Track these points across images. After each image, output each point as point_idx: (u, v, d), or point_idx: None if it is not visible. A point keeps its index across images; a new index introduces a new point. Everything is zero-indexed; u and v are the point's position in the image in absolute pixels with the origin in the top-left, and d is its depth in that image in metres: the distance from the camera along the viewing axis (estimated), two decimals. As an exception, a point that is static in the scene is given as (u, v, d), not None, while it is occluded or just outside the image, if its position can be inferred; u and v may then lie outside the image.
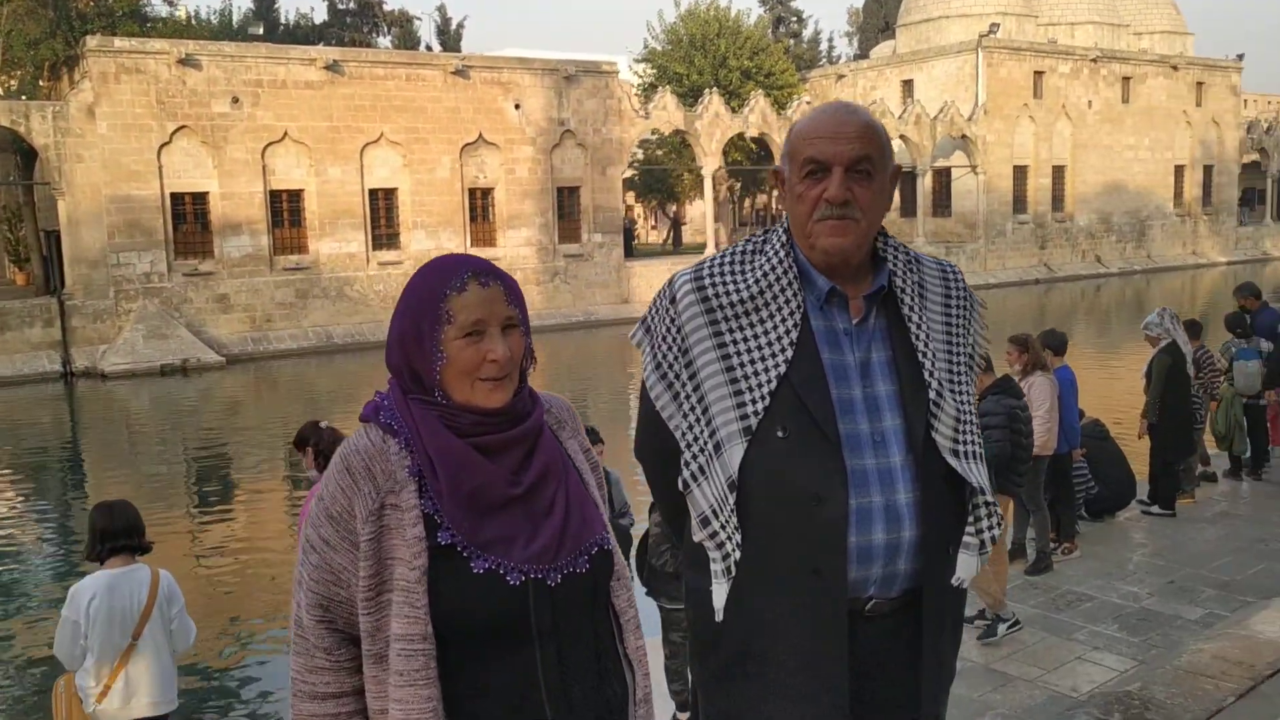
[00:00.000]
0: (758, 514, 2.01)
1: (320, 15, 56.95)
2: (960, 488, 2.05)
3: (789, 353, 2.00)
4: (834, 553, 1.96)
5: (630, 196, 42.67)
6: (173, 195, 25.20)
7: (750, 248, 2.14)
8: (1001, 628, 6.15)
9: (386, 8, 47.41)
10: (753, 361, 2.02)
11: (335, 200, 27.30)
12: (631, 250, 38.46)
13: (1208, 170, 49.17)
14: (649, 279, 32.41)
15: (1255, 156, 52.20)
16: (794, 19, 56.25)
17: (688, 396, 2.08)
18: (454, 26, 48.43)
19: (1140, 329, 8.88)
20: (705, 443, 2.04)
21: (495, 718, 1.75)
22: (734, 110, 34.88)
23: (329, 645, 1.80)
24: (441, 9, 48.18)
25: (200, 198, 25.69)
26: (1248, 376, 9.45)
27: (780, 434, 1.98)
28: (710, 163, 34.08)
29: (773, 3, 55.13)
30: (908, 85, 43.61)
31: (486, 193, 29.81)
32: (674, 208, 47.12)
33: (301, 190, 27.01)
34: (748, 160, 39.80)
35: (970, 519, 2.06)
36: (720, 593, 2.04)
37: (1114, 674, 5.54)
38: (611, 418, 18.57)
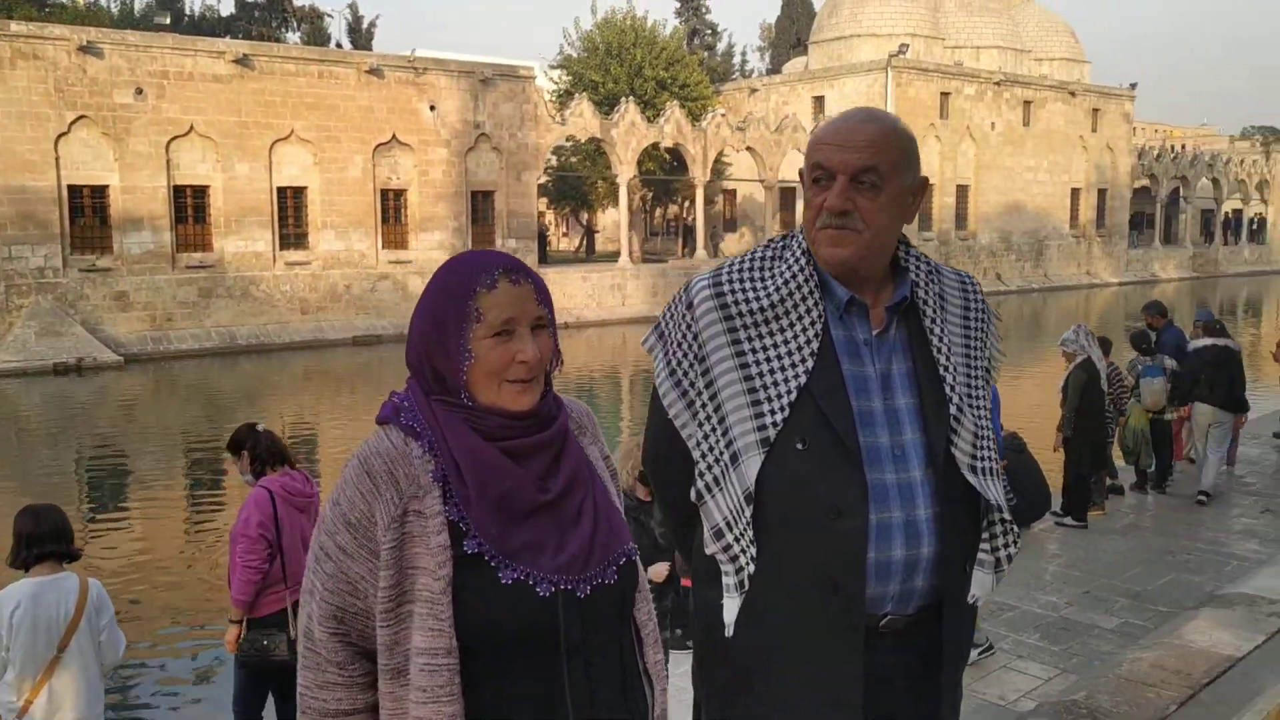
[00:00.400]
0: (774, 527, 1.95)
1: (227, 8, 55.56)
2: (975, 504, 2.02)
3: (809, 363, 1.94)
4: (853, 567, 1.91)
5: (543, 203, 42.49)
6: (70, 188, 24.28)
7: (770, 254, 2.07)
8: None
9: (296, 3, 46.50)
10: (772, 371, 1.96)
11: (242, 197, 26.60)
12: (545, 257, 38.29)
13: (1102, 194, 51.09)
14: (563, 286, 32.26)
15: (1145, 182, 54.44)
16: (709, 31, 56.80)
17: (704, 405, 2.01)
18: (365, 25, 47.76)
19: (1057, 344, 9.13)
20: (721, 453, 1.98)
21: None
22: (650, 120, 35.03)
23: (342, 660, 1.70)
24: (353, 7, 47.20)
25: (99, 191, 24.80)
26: (1154, 393, 9.79)
27: (800, 445, 1.93)
28: (626, 171, 34.16)
29: (688, 15, 55.59)
30: (819, 101, 44.39)
31: (399, 194, 29.39)
32: (586, 215, 47.09)
33: (207, 186, 26.27)
34: (661, 170, 39.99)
35: (986, 536, 2.03)
36: (732, 607, 1.98)
37: (1039, 682, 5.66)
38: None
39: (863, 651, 1.92)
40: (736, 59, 60.06)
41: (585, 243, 43.99)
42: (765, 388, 1.95)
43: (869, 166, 1.92)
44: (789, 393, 1.94)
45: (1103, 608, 7.07)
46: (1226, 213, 60.95)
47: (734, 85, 49.39)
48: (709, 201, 40.32)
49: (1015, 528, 2.03)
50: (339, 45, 44.55)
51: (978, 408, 2.02)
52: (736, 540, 1.95)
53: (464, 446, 1.68)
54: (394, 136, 28.66)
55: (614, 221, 50.49)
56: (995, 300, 46.08)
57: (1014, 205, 45.80)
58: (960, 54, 48.21)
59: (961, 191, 44.76)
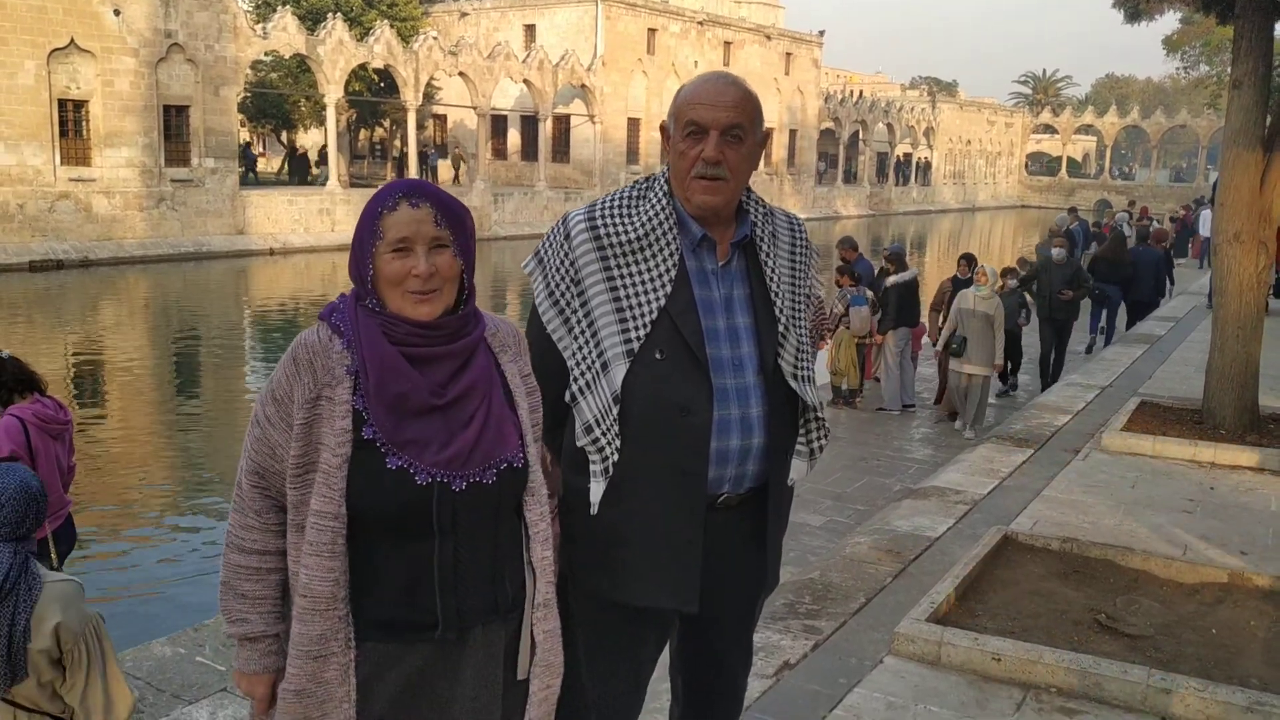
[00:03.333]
0: (636, 423, 2.32)
1: None
2: (794, 405, 2.47)
3: (668, 288, 2.33)
4: (699, 455, 2.33)
5: (240, 120, 39.93)
6: None
7: (635, 194, 2.43)
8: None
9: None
10: (637, 294, 2.33)
11: (-113, 101, 23.39)
12: (256, 179, 36.27)
13: (793, 134, 54.40)
14: (268, 210, 30.78)
15: (830, 125, 58.44)
16: (416, -51, 54.84)
17: (578, 322, 2.36)
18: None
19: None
20: (593, 362, 2.34)
21: (392, 597, 1.96)
22: (358, 39, 33.73)
23: (260, 508, 2.02)
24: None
25: None
26: (862, 320, 10.94)
27: (658, 356, 2.32)
28: (333, 91, 32.78)
29: (394, -70, 53.37)
30: (530, 30, 44.31)
31: (80, 105, 26.78)
32: (288, 135, 44.78)
33: None
34: (369, 91, 38.66)
35: (802, 430, 2.49)
36: (597, 490, 2.35)
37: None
38: (224, 362, 17.74)
39: (703, 525, 2.34)
40: (445, -20, 58.45)
41: (289, 164, 41.80)
42: (631, 308, 2.33)
43: (736, 123, 2.30)
44: (650, 312, 2.32)
45: (811, 508, 7.98)
46: (899, 156, 66.57)
47: (443, 7, 48.20)
48: (419, 126, 39.44)
49: (826, 424, 2.50)
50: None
51: (800, 327, 2.45)
52: (604, 434, 2.32)
53: (372, 349, 1.95)
54: (72, 41, 26.00)
55: (315, 143, 48.35)
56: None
57: (714, 142, 47.91)
58: (666, -9, 49.45)
59: (667, 127, 46.24)
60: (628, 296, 2.33)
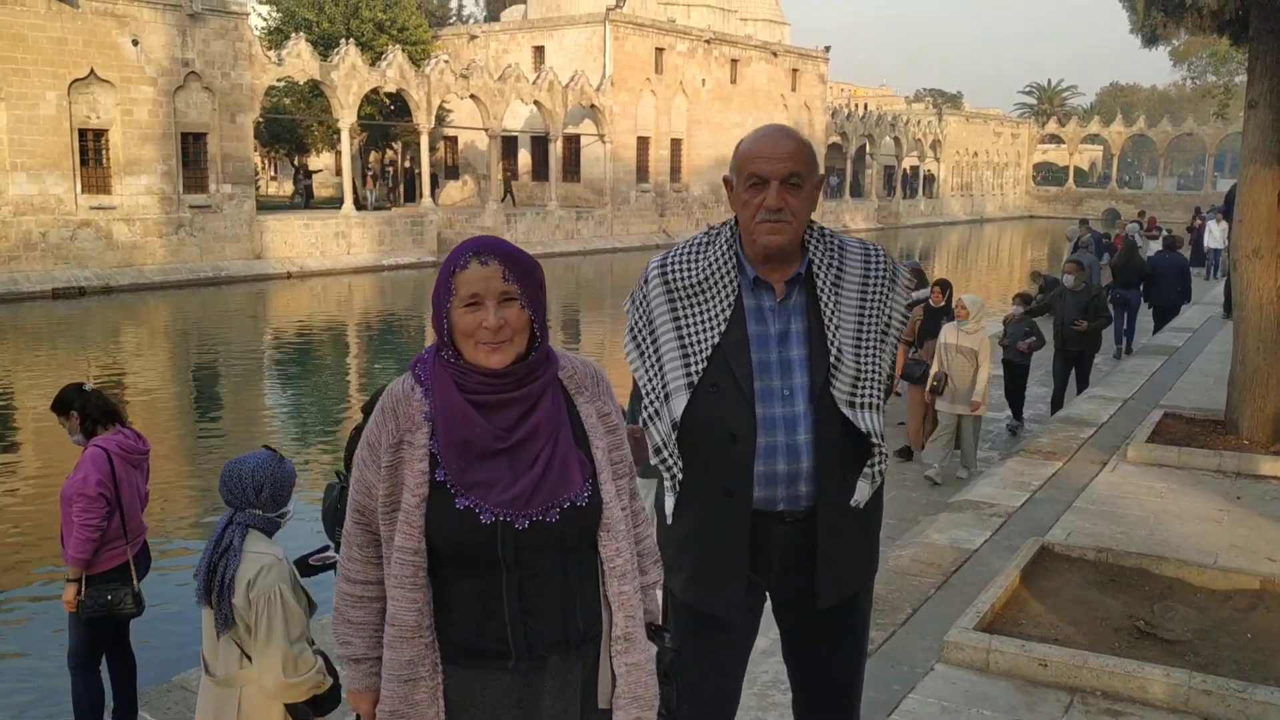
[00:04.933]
0: (692, 447, 2.64)
1: None
2: (859, 429, 2.64)
3: (723, 326, 2.61)
4: (743, 478, 2.59)
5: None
6: None
7: (705, 240, 2.71)
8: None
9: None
10: (698, 331, 2.62)
11: (-87, 134, 23.79)
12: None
13: (800, 150, 54.54)
14: (284, 234, 31.13)
15: (837, 139, 58.74)
16: (424, -27, 55.42)
17: (650, 355, 2.68)
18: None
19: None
20: (660, 392, 2.65)
21: (470, 627, 2.15)
22: (370, 63, 34.13)
23: (362, 542, 2.24)
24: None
25: None
26: None
27: (713, 388, 2.60)
28: (347, 116, 33.19)
29: (403, -45, 53.95)
30: (539, 51, 44.71)
31: (100, 134, 27.20)
32: (300, 160, 45.21)
33: None
34: (380, 115, 39.08)
35: (869, 456, 2.67)
36: (670, 502, 2.71)
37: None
38: (239, 385, 17.94)
39: (748, 537, 2.62)
40: (454, 3, 59.08)
41: (302, 189, 42.19)
42: (692, 344, 2.62)
43: (794, 172, 2.56)
44: (707, 348, 2.61)
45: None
46: (906, 169, 66.83)
47: (453, 31, 48.75)
48: (431, 148, 39.80)
49: (884, 451, 2.66)
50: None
51: (865, 355, 2.62)
52: (669, 456, 2.65)
53: (442, 397, 2.16)
54: (92, 72, 26.44)
55: (327, 166, 48.76)
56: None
57: (723, 159, 48.07)
58: (672, 10, 49.86)
59: (675, 145, 46.63)
60: (690, 333, 2.62)
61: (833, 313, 2.62)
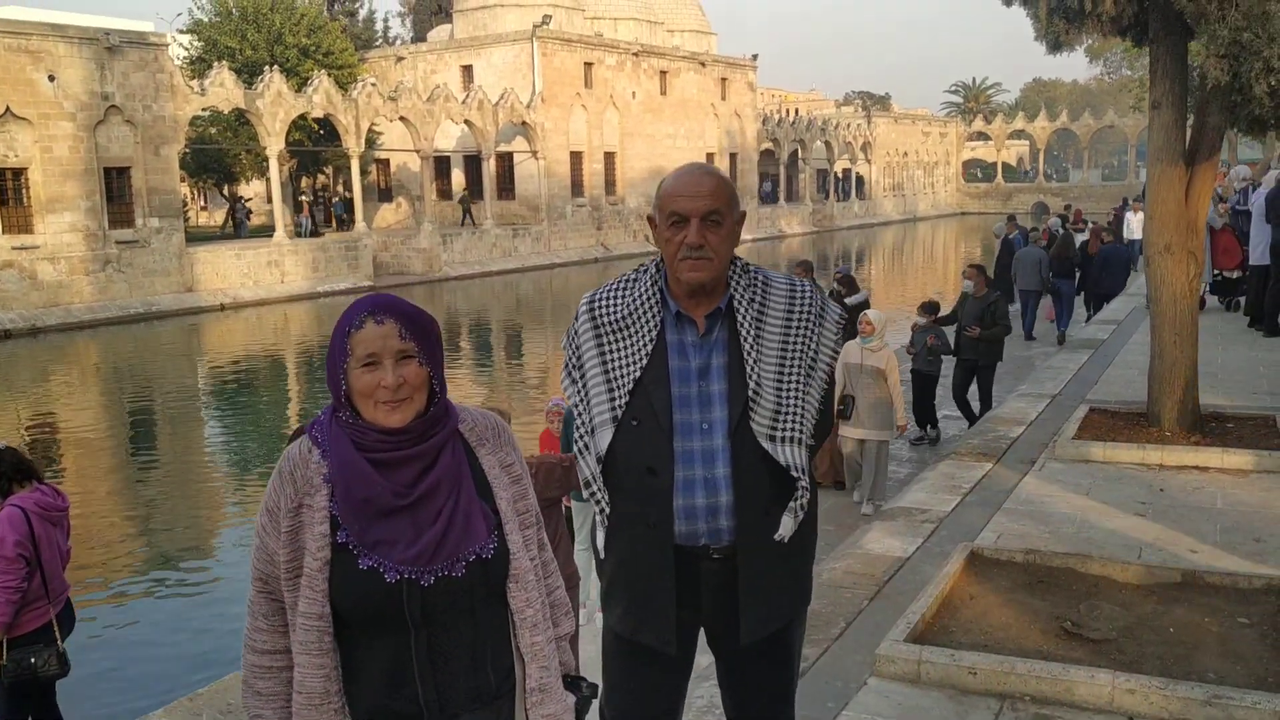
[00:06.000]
0: (616, 481, 2.67)
1: None
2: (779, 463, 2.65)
3: (644, 361, 2.64)
4: (663, 511, 2.62)
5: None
6: None
7: (633, 277, 2.74)
8: None
9: None
10: (620, 366, 2.65)
11: None
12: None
13: (733, 157, 55.14)
14: (215, 265, 30.68)
15: (769, 145, 59.28)
16: (348, -4, 55.08)
17: (580, 390, 2.72)
18: (-50, -21, 42.18)
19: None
20: (588, 426, 2.69)
21: (380, 689, 2.14)
22: (296, 90, 33.80)
23: (266, 611, 2.19)
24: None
25: None
26: None
27: (634, 423, 2.63)
28: (274, 143, 32.83)
29: (325, -22, 53.55)
30: (468, 70, 44.62)
31: (19, 173, 26.61)
32: (229, 189, 44.62)
33: None
34: (309, 141, 38.70)
35: (793, 490, 2.66)
36: (601, 535, 2.76)
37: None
38: (176, 423, 17.64)
39: (673, 570, 2.64)
40: (379, 26, 58.68)
41: (233, 218, 41.64)
42: (617, 379, 2.65)
43: (713, 209, 2.60)
44: (629, 383, 2.63)
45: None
46: (838, 172, 67.60)
47: (379, 53, 48.47)
48: (363, 172, 39.51)
49: (806, 484, 2.65)
50: (-81, 2, 39.16)
51: (787, 390, 2.63)
52: (598, 490, 2.68)
53: (339, 457, 2.14)
54: (8, 109, 25.88)
55: (258, 194, 48.15)
56: (646, 259, 48.53)
57: (657, 170, 48.36)
58: (600, 25, 50.06)
59: (609, 158, 46.75)
60: (614, 368, 2.65)
61: (751, 346, 2.63)
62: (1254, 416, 8.51)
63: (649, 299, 2.67)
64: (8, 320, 25.60)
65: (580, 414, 2.71)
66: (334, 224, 43.33)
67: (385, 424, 2.13)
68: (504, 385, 20.27)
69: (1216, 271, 14.82)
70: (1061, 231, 21.99)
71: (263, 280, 31.62)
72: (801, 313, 2.69)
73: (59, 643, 5.05)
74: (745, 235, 53.82)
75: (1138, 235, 21.81)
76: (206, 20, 38.45)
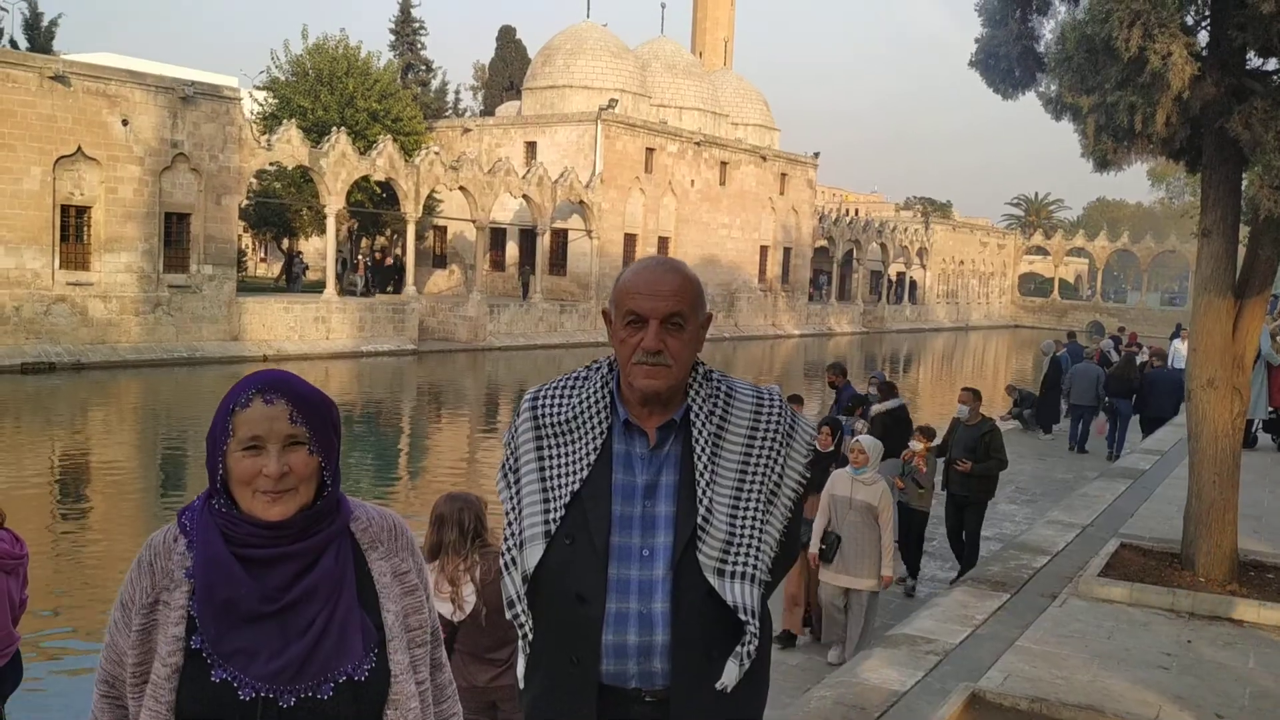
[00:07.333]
0: (541, 607, 2.32)
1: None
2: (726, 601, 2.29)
3: (585, 472, 2.30)
4: (590, 647, 2.26)
5: (241, 226, 40.46)
6: None
7: (583, 375, 2.43)
8: None
9: (-37, -9, 41.95)
10: (559, 475, 2.32)
11: (-108, 204, 23.70)
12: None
13: (787, 252, 55.21)
14: (263, 316, 31.00)
15: (824, 243, 59.34)
16: (423, 67, 56.51)
17: (514, 496, 2.39)
18: (45, 24, 43.82)
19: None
20: (516, 539, 2.34)
21: None
22: (361, 152, 34.43)
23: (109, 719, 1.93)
24: (32, 3, 43.11)
25: None
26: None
27: (567, 541, 2.28)
28: (334, 202, 33.34)
29: (403, 49, 55.07)
30: (531, 146, 45.29)
31: (83, 211, 27.19)
32: (288, 243, 45.37)
33: None
34: (370, 202, 39.29)
35: (741, 634, 2.27)
36: (522, 664, 2.39)
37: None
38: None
39: (594, 713, 2.26)
40: (450, 97, 60.14)
41: (286, 272, 42.22)
42: (553, 489, 2.32)
43: (675, 311, 2.29)
44: (566, 495, 2.29)
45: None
46: (892, 275, 67.36)
47: (447, 123, 49.43)
48: (419, 237, 39.98)
49: (755, 628, 2.28)
50: (14, 44, 40.62)
51: (743, 517, 2.28)
52: (522, 613, 2.33)
53: (205, 551, 1.87)
54: (79, 149, 26.55)
55: (315, 250, 48.92)
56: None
57: (710, 258, 48.54)
58: (665, 112, 50.72)
59: (663, 243, 46.96)
60: (553, 477, 2.33)
61: (706, 465, 2.30)
62: (1297, 568, 8.00)
63: (597, 401, 2.35)
64: (54, 354, 25.93)
65: (511, 523, 2.38)
66: (389, 285, 43.81)
67: (263, 517, 1.88)
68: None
69: (1272, 410, 14.30)
70: (1114, 353, 21.67)
71: (308, 335, 31.87)
72: (767, 429, 2.36)
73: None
74: (793, 330, 53.82)
75: (1182, 364, 21.37)
76: (283, 79, 39.46)
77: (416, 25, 55.83)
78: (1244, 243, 7.76)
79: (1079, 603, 7.29)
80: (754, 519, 2.30)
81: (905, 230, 67.38)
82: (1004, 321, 77.56)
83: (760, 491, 2.33)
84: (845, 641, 7.64)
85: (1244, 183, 7.49)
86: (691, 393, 2.37)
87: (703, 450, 2.32)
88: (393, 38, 55.51)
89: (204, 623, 1.85)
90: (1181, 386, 17.48)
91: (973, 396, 9.99)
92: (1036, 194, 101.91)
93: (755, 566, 2.29)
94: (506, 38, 63.88)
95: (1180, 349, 22.86)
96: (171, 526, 1.95)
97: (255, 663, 1.84)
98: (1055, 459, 17.68)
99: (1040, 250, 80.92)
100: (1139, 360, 20.41)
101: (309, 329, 31.97)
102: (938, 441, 10.30)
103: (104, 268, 27.45)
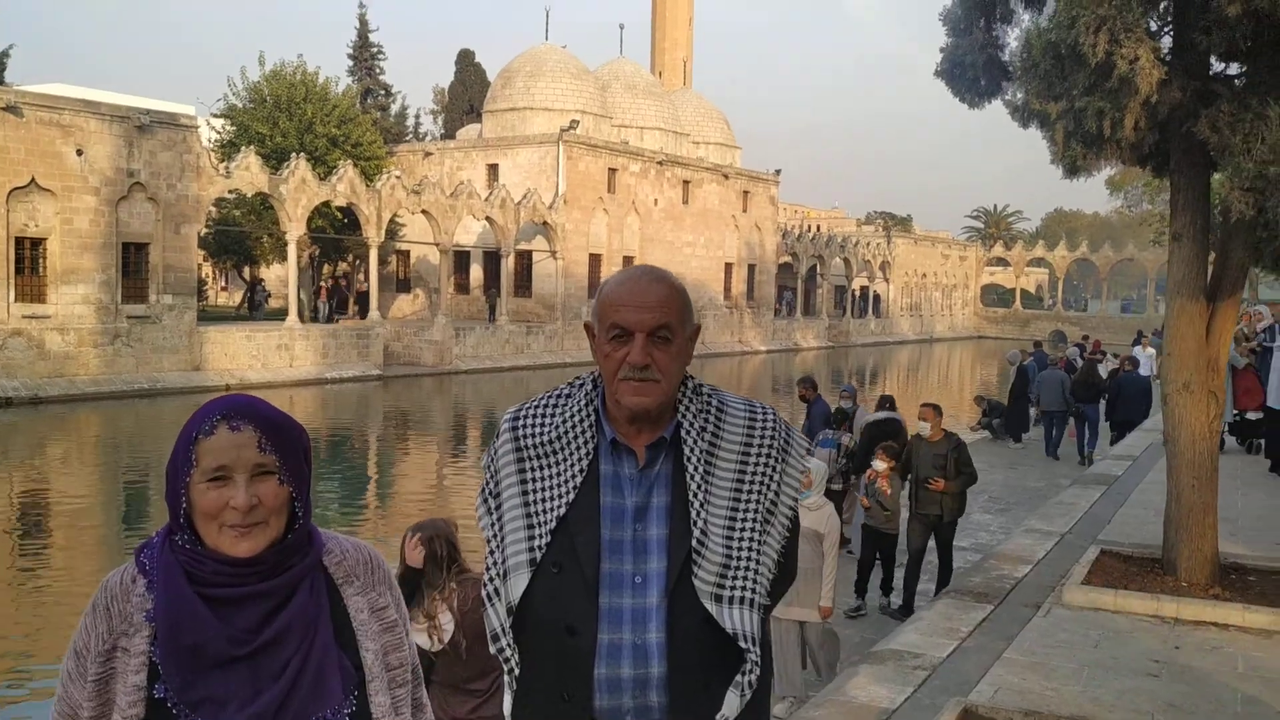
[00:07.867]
0: (528, 639, 2.16)
1: None
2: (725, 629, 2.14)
3: (571, 495, 2.14)
4: (581, 681, 2.10)
5: (200, 255, 39.96)
6: None
7: (566, 392, 2.27)
8: None
9: (-89, 22, 41.29)
10: (544, 500, 2.16)
11: None
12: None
13: (752, 269, 55.38)
14: (225, 345, 30.59)
15: (788, 259, 59.59)
16: (382, 92, 56.22)
17: (495, 524, 2.22)
18: (-3, 54, 43.19)
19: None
20: (500, 568, 2.18)
21: None
22: (321, 177, 34.13)
23: None
24: (-18, 33, 42.33)
25: None
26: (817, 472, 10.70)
27: (554, 569, 2.12)
28: (295, 229, 33.02)
29: (361, 74, 54.80)
30: (493, 169, 45.18)
31: (38, 243, 26.72)
32: (250, 270, 44.90)
33: None
34: (332, 228, 38.95)
35: (741, 663, 2.13)
36: (508, 700, 2.20)
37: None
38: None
39: None
40: (410, 121, 59.83)
41: (249, 299, 41.75)
42: (538, 514, 2.15)
43: (663, 324, 2.14)
44: (551, 520, 2.14)
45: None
46: (855, 289, 67.75)
47: (408, 147, 49.22)
48: (382, 262, 39.65)
49: (757, 655, 2.14)
50: (-37, 74, 39.92)
51: (739, 539, 2.15)
52: (507, 646, 2.16)
53: (168, 592, 1.72)
54: (33, 180, 26.10)
55: (277, 277, 48.44)
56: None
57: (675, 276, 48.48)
58: (626, 133, 50.80)
59: (628, 262, 46.84)
60: (537, 502, 2.17)
61: (699, 485, 2.16)
62: (1278, 571, 7.98)
63: (582, 420, 2.20)
64: (10, 389, 25.40)
65: (493, 552, 2.22)
66: (350, 311, 43.41)
67: (231, 553, 1.74)
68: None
69: (1237, 412, 14.38)
70: (1080, 360, 21.91)
71: (271, 363, 31.47)
72: (761, 444, 2.22)
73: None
74: (759, 346, 53.92)
75: (1144, 370, 21.60)
76: (240, 106, 39.10)
77: (375, 50, 55.59)
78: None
79: (1063, 612, 7.23)
80: (751, 540, 2.17)
81: (868, 245, 67.87)
82: (968, 332, 78.23)
83: (757, 510, 2.19)
84: (803, 685, 7.04)
85: (1213, 185, 7.52)
86: (681, 408, 2.23)
87: (695, 469, 2.18)
88: (351, 63, 55.22)
89: (168, 670, 1.70)
90: (1149, 391, 17.90)
91: (934, 412, 9.58)
92: (996, 206, 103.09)
93: (754, 590, 2.15)
94: (465, 61, 63.78)
95: (1140, 355, 23.16)
96: (129, 566, 1.79)
97: (225, 711, 1.70)
98: (1027, 467, 17.71)
99: (1001, 261, 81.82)
100: (1109, 367, 21.19)
101: (272, 357, 31.58)
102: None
103: (61, 300, 26.98)
